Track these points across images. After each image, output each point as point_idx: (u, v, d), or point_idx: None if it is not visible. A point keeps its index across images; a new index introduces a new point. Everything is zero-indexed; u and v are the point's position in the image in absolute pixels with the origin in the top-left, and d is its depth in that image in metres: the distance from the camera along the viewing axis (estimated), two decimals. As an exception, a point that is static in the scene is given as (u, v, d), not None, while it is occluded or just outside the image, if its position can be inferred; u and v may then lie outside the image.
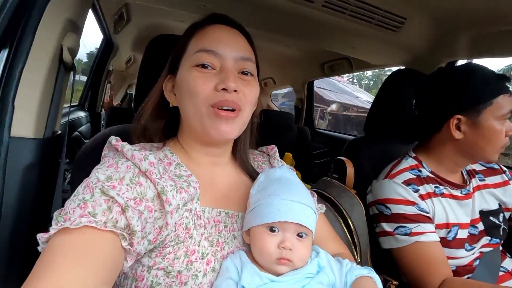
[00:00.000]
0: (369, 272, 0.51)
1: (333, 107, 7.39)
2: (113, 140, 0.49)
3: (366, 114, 1.22)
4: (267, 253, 0.47)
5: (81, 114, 1.69)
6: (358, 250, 0.77)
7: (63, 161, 0.76)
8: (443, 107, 0.81)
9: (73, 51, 0.72)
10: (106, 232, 0.39)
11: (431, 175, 0.85)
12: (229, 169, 0.61)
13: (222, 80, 0.49)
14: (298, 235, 0.48)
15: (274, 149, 0.70)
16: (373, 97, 1.24)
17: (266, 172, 0.55)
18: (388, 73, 1.20)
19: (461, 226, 0.81)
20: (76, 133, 1.49)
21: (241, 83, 0.52)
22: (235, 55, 0.52)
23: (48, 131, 0.70)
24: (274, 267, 0.47)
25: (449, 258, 0.77)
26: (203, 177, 0.55)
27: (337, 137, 2.38)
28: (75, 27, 0.72)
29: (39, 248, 0.40)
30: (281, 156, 0.72)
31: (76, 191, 0.42)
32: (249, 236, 0.51)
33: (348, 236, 0.77)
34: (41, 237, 0.40)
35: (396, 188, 0.81)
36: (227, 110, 0.50)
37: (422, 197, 0.80)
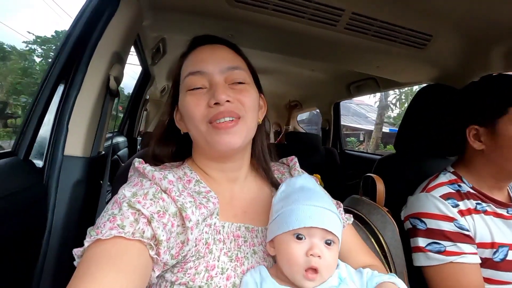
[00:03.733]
0: (390, 278, 0.49)
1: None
2: (136, 162, 0.52)
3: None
4: (295, 262, 0.46)
5: (120, 139, 1.83)
6: (393, 271, 0.73)
7: (107, 179, 0.83)
8: (459, 119, 0.81)
9: (118, 80, 0.81)
10: (134, 242, 0.41)
11: (472, 191, 0.80)
12: (249, 184, 0.61)
13: (212, 95, 0.51)
14: (325, 242, 0.47)
15: (294, 160, 0.70)
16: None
17: (287, 181, 0.55)
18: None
19: (511, 247, 0.74)
20: (116, 156, 1.61)
21: (233, 92, 0.53)
22: (220, 68, 0.54)
23: (94, 151, 0.78)
24: (302, 283, 0.46)
25: (499, 282, 0.70)
26: (222, 194, 0.56)
27: (366, 157, 2.31)
28: (120, 59, 0.82)
29: (75, 263, 0.42)
30: None
31: (106, 207, 0.46)
32: (273, 247, 0.50)
33: (381, 256, 0.74)
34: (76, 251, 0.42)
35: (433, 201, 0.77)
36: (224, 122, 0.51)
37: (462, 213, 0.75)
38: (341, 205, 0.65)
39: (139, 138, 2.37)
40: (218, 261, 0.48)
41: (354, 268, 0.54)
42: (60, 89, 0.70)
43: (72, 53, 0.71)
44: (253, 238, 0.54)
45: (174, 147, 0.62)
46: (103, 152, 0.85)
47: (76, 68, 0.72)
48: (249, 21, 1.02)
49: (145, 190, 0.47)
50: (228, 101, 0.51)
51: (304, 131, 3.66)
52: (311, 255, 0.45)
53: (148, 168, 0.50)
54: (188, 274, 0.46)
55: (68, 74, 0.72)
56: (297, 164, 0.69)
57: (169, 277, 0.47)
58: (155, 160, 0.59)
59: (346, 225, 0.63)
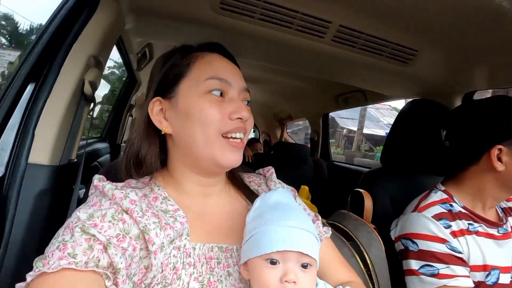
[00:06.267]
0: None
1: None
2: (95, 180, 0.48)
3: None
4: None
5: (102, 145, 1.76)
6: (377, 290, 0.70)
7: (77, 188, 0.78)
8: (483, 138, 0.77)
9: (94, 85, 0.77)
10: (87, 273, 0.37)
11: (463, 211, 0.79)
12: (222, 199, 0.58)
13: (237, 110, 0.50)
14: (302, 265, 0.44)
15: (270, 171, 0.67)
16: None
17: (261, 196, 0.52)
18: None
19: (502, 270, 0.72)
20: (95, 163, 1.55)
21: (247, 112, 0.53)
22: (241, 85, 0.54)
23: (64, 159, 0.73)
24: None
25: None
26: (193, 209, 0.53)
27: (355, 169, 2.31)
28: (98, 63, 0.78)
29: None
30: (297, 189, 0.69)
31: (56, 233, 0.41)
32: (247, 270, 0.47)
33: (366, 275, 0.71)
34: (20, 286, 0.38)
35: (425, 222, 0.75)
36: (234, 138, 0.51)
37: (454, 233, 0.74)
38: (319, 217, 0.63)
39: (123, 145, 2.30)
40: None
41: (333, 285, 0.51)
42: (28, 92, 0.66)
43: (44, 53, 0.67)
44: (227, 259, 0.50)
45: (157, 148, 0.55)
46: (75, 160, 0.80)
47: (48, 70, 0.68)
48: (235, 30, 1.01)
49: (103, 211, 0.43)
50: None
51: (293, 141, 3.66)
52: (285, 281, 0.42)
53: (108, 186, 0.46)
54: None
55: (39, 76, 0.67)
56: (274, 175, 0.66)
57: None
58: (138, 167, 0.53)
59: (324, 239, 0.60)
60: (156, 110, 0.53)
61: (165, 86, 0.54)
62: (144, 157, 0.53)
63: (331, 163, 2.58)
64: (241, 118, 0.51)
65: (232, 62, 0.57)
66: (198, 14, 0.94)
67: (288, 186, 0.66)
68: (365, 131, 13.39)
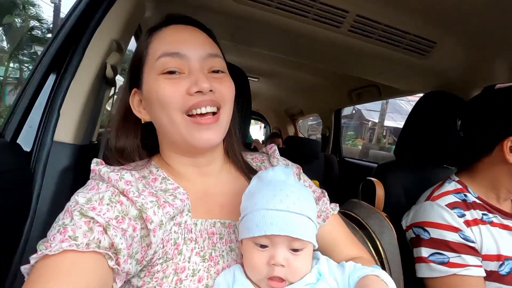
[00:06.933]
0: (373, 270, 0.45)
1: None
2: (93, 163, 0.47)
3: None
4: (257, 270, 0.43)
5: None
6: (389, 278, 0.70)
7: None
8: (495, 128, 0.76)
9: (116, 69, 0.80)
10: (89, 254, 0.37)
11: (478, 201, 0.78)
12: (223, 177, 0.57)
13: (195, 83, 0.46)
14: (293, 249, 0.43)
15: (273, 148, 0.65)
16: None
17: (259, 174, 0.49)
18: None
19: None
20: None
21: (214, 82, 0.48)
22: (201, 53, 0.49)
23: (86, 139, 0.76)
24: (266, 287, 0.43)
25: None
26: (194, 190, 0.51)
27: (366, 165, 2.29)
28: (119, 48, 0.80)
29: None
30: None
31: (57, 217, 0.42)
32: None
33: (378, 262, 0.71)
34: (23, 269, 0.39)
35: (438, 210, 0.75)
36: (206, 114, 0.47)
37: (468, 223, 0.73)
38: (325, 194, 0.61)
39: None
40: (189, 262, 0.45)
41: (339, 261, 0.50)
42: (54, 74, 0.68)
43: (69, 38, 0.70)
44: (230, 235, 0.50)
45: (137, 139, 0.55)
46: (96, 142, 0.83)
47: (72, 54, 0.70)
48: (252, 19, 1.01)
49: (101, 195, 0.43)
50: (211, 90, 0.47)
51: (304, 136, 3.64)
52: (273, 264, 0.42)
53: (104, 169, 0.46)
54: (155, 278, 0.43)
55: (64, 59, 0.70)
56: (277, 152, 0.65)
57: (135, 282, 0.43)
58: (121, 157, 0.53)
59: (331, 216, 0.59)
60: (136, 101, 0.53)
61: (135, 75, 0.52)
62: (122, 149, 0.53)
63: (342, 159, 2.56)
64: (201, 91, 0.45)
65: (194, 28, 0.52)
66: (217, 3, 0.95)
67: (293, 163, 0.64)
68: (392, 124, 13.15)
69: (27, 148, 0.64)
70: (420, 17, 1.01)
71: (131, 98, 0.53)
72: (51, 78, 0.68)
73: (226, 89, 0.50)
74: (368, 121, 14.16)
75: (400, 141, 1.13)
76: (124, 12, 0.78)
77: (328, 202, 0.60)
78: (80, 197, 0.42)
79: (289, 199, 0.43)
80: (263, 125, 4.48)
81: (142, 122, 0.53)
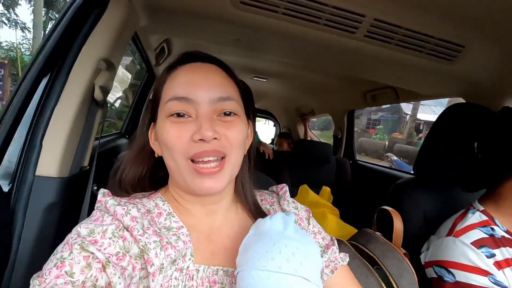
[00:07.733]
0: None
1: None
2: (99, 195, 0.46)
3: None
4: None
5: (122, 141, 1.77)
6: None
7: (88, 198, 0.75)
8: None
9: (106, 89, 0.73)
10: None
11: (507, 236, 0.68)
12: (231, 217, 0.54)
13: (198, 130, 0.44)
14: None
15: (284, 188, 0.61)
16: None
17: (256, 223, 0.46)
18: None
19: None
20: (115, 160, 1.55)
21: (221, 127, 0.46)
22: (210, 97, 0.46)
23: (75, 168, 0.70)
24: None
25: None
26: (199, 228, 0.49)
27: (380, 170, 2.17)
28: (109, 66, 0.74)
29: None
30: (318, 190, 0.61)
31: (55, 249, 0.40)
32: None
33: (396, 312, 0.63)
34: None
35: (464, 250, 0.66)
36: (208, 162, 0.45)
37: (499, 264, 0.63)
38: (335, 242, 0.56)
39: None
40: None
41: None
42: (35, 101, 0.62)
43: (51, 59, 0.63)
44: (231, 284, 0.46)
45: (149, 170, 0.54)
46: (88, 167, 0.77)
47: (54, 77, 0.64)
48: (256, 26, 0.92)
49: (105, 227, 0.41)
50: (215, 138, 0.44)
51: (317, 139, 3.53)
52: None
53: (110, 201, 0.44)
54: None
55: (46, 83, 0.64)
56: (287, 193, 0.60)
57: None
58: (130, 187, 0.52)
59: (340, 267, 0.53)
60: (154, 134, 0.52)
61: (153, 111, 0.52)
62: (133, 179, 0.52)
63: (355, 162, 2.45)
64: (204, 140, 0.44)
65: (210, 67, 0.50)
66: (217, 10, 0.86)
67: (302, 206, 0.59)
68: (429, 118, 12.92)
69: (5, 186, 0.58)
70: (445, 19, 0.89)
71: (150, 131, 0.53)
72: (32, 106, 0.62)
73: (234, 135, 0.47)
74: (407, 115, 14.05)
75: (420, 158, 1.03)
76: (114, 26, 0.71)
77: (338, 251, 0.55)
78: (82, 228, 0.41)
79: (282, 257, 0.39)
80: (272, 123, 4.37)
81: (156, 156, 0.52)
